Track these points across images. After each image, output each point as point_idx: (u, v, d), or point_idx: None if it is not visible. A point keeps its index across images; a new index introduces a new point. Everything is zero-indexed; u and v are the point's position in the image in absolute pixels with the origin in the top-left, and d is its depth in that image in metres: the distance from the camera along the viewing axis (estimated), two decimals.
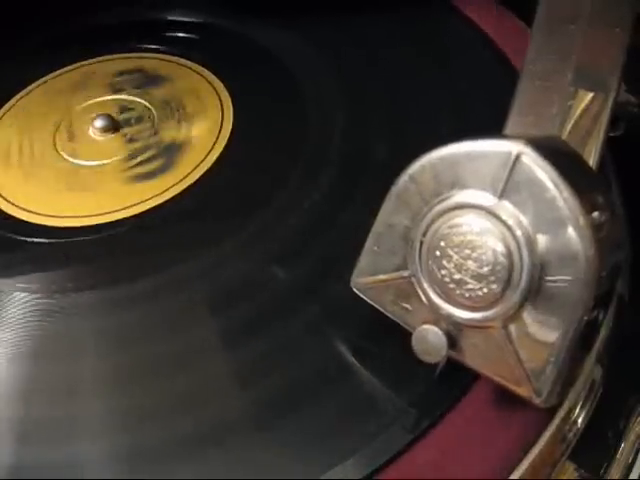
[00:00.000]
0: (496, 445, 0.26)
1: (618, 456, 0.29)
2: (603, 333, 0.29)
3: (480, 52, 0.39)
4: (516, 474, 0.25)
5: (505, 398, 0.25)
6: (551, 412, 0.27)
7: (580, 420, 0.28)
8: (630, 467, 0.29)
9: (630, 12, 0.29)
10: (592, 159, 0.28)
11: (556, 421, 0.27)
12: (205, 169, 0.36)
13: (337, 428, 0.26)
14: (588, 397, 0.28)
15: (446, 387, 0.27)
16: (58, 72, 0.43)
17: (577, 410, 0.28)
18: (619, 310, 0.30)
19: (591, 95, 0.28)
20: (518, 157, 0.23)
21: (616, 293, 0.30)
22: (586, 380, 0.28)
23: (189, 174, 0.35)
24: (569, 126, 0.28)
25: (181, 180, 0.35)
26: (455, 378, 0.26)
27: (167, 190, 0.35)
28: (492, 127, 0.29)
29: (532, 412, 0.25)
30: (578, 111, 0.28)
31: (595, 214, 0.23)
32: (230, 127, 0.37)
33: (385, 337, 0.26)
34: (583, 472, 0.28)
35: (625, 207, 0.33)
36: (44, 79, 0.43)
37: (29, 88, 0.42)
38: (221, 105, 0.39)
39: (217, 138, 0.37)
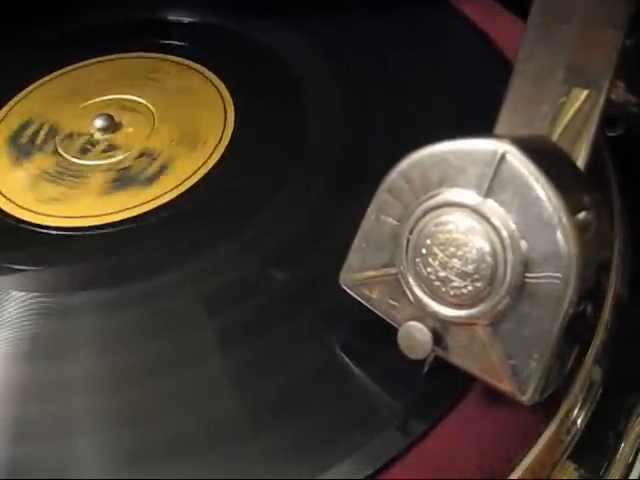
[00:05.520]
0: (496, 445, 0.26)
1: (618, 456, 0.29)
2: (602, 333, 0.29)
3: (479, 51, 0.39)
4: (516, 474, 0.26)
5: (504, 398, 0.25)
6: (551, 412, 0.27)
7: (580, 420, 0.28)
8: (630, 467, 0.29)
9: (624, 11, 0.29)
10: (583, 158, 0.28)
11: (556, 421, 0.27)
12: (207, 170, 0.36)
13: (336, 429, 0.26)
14: (588, 397, 0.28)
15: (445, 388, 0.27)
16: (58, 72, 0.43)
17: (577, 410, 0.28)
18: (619, 310, 0.30)
19: (582, 94, 0.28)
20: (503, 156, 0.23)
21: (615, 293, 0.30)
22: (585, 380, 0.28)
23: (190, 175, 0.36)
24: (560, 125, 0.28)
25: (183, 181, 0.35)
26: (454, 379, 0.26)
27: (169, 191, 0.35)
28: (491, 126, 0.29)
29: (532, 412, 0.26)
30: (569, 110, 0.28)
31: (581, 214, 0.23)
32: (232, 127, 0.38)
33: (384, 338, 0.26)
34: (583, 472, 0.28)
35: (625, 207, 0.33)
36: (43, 80, 0.43)
37: (29, 89, 0.42)
38: (223, 105, 0.39)
39: (220, 139, 0.37)
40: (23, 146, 0.39)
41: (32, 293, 0.32)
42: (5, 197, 0.37)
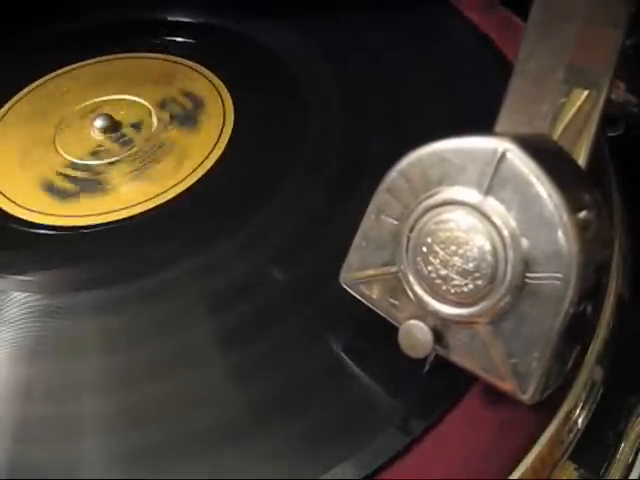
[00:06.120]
0: (496, 445, 0.26)
1: (618, 456, 0.29)
2: (603, 333, 0.29)
3: (479, 52, 0.39)
4: (516, 474, 0.25)
5: (505, 398, 0.25)
6: (552, 412, 0.27)
7: (580, 420, 0.28)
8: (630, 467, 0.29)
9: (624, 11, 0.29)
10: (583, 157, 0.28)
11: (556, 421, 0.27)
12: (206, 169, 0.36)
13: (336, 429, 0.26)
14: (588, 397, 0.28)
15: (445, 387, 0.27)
16: (58, 72, 0.43)
17: (577, 410, 0.28)
18: (619, 310, 0.30)
19: (583, 93, 0.28)
20: (503, 154, 0.23)
21: (616, 293, 0.30)
22: (586, 380, 0.28)
23: (190, 174, 0.36)
24: (560, 124, 0.28)
25: (182, 180, 0.36)
26: (454, 378, 0.26)
27: (168, 190, 0.35)
28: (491, 125, 0.29)
29: (532, 412, 0.25)
30: (570, 109, 0.28)
31: (582, 213, 0.23)
32: (231, 127, 0.38)
33: (384, 337, 0.26)
34: (583, 472, 0.28)
35: (625, 207, 0.33)
36: (43, 79, 0.43)
37: (28, 89, 0.42)
38: (222, 105, 0.39)
39: (219, 138, 0.37)
40: None
41: (34, 294, 0.32)
42: (4, 195, 0.37)
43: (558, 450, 0.27)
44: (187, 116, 0.39)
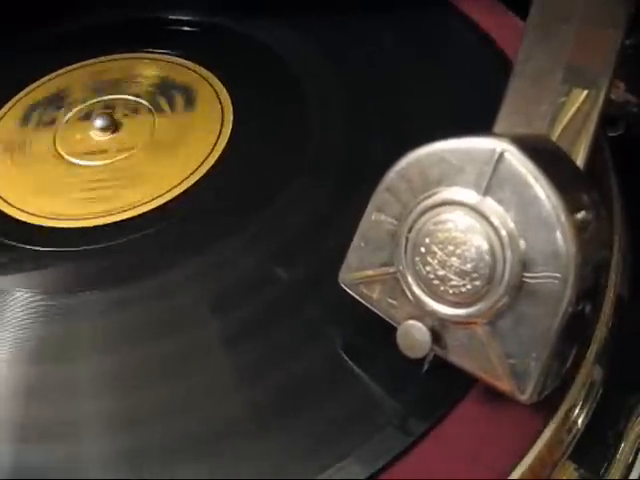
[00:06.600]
0: (496, 445, 0.26)
1: (618, 456, 0.29)
2: (602, 333, 0.29)
3: (480, 52, 0.39)
4: (516, 474, 0.25)
5: (505, 398, 0.25)
6: (551, 412, 0.27)
7: (580, 420, 0.28)
8: (630, 467, 0.29)
9: (623, 11, 0.29)
10: (582, 157, 0.28)
11: (556, 421, 0.26)
12: (206, 170, 0.36)
13: (337, 428, 0.26)
14: (588, 397, 0.28)
15: (446, 387, 0.27)
16: (58, 72, 0.43)
17: (577, 410, 0.28)
18: (619, 310, 0.30)
19: (581, 94, 0.28)
20: (501, 154, 0.23)
21: (616, 292, 0.30)
22: (586, 380, 0.28)
23: (190, 175, 0.36)
24: (559, 125, 0.28)
25: (182, 181, 0.35)
26: (454, 378, 0.26)
27: (168, 191, 0.35)
28: (491, 125, 0.29)
29: (532, 412, 0.25)
30: (569, 110, 0.28)
31: (580, 213, 0.23)
32: (230, 127, 0.38)
33: (385, 337, 0.26)
34: (583, 472, 0.28)
35: (625, 207, 0.33)
36: (43, 80, 0.43)
37: (28, 89, 0.42)
38: (221, 105, 0.39)
39: (217, 139, 0.37)
40: None
41: (35, 294, 0.32)
42: (2, 198, 0.37)
43: (558, 450, 0.27)
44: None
